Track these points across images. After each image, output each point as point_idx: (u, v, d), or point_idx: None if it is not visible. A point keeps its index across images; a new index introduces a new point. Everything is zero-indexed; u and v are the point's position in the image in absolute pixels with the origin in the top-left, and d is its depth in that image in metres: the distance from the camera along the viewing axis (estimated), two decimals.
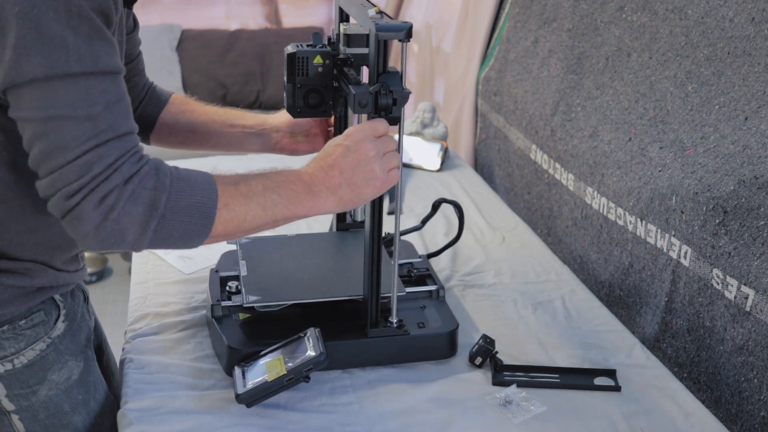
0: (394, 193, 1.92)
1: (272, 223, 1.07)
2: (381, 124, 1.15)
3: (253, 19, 4.65)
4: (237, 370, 1.25)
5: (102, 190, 0.93)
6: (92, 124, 0.94)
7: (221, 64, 4.35)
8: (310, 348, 1.22)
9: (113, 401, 1.33)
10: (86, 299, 1.32)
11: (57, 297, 1.20)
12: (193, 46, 4.38)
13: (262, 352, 1.26)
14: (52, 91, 0.92)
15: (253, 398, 1.20)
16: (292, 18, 4.68)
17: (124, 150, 0.96)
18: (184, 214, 0.98)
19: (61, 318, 1.20)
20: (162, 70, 4.25)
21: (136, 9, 1.26)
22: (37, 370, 1.18)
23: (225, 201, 1.01)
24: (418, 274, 1.50)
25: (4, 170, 1.06)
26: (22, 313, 1.14)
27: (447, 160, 2.28)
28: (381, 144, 1.13)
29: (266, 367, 1.22)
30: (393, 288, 1.32)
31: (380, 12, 1.21)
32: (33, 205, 1.09)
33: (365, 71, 1.30)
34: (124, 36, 1.16)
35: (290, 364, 1.21)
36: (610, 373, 1.33)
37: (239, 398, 1.20)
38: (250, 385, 1.20)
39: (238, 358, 1.27)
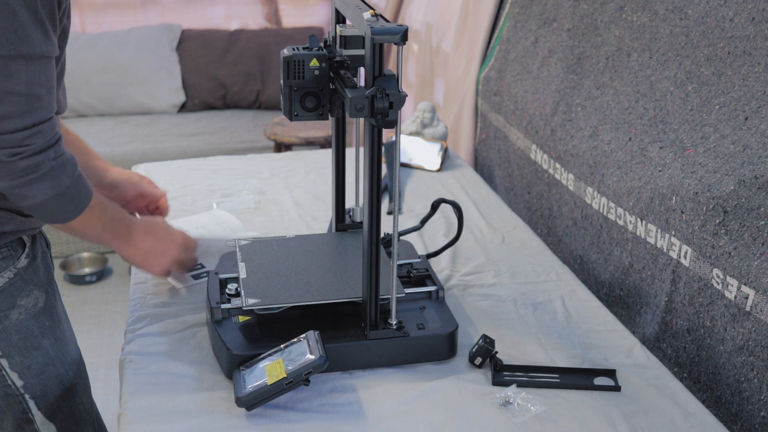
0: (393, 193, 1.93)
1: (95, 238, 1.40)
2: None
3: (253, 19, 4.65)
4: (237, 374, 1.25)
5: (34, 159, 1.21)
6: (38, 103, 1.20)
7: (221, 64, 4.35)
8: (310, 351, 1.22)
9: (74, 336, 1.53)
10: (48, 246, 1.49)
11: (23, 237, 1.39)
12: (193, 46, 4.38)
13: (262, 355, 1.26)
14: (12, 67, 1.16)
15: (252, 402, 1.20)
16: (292, 18, 4.68)
17: (53, 132, 1.24)
18: (65, 198, 1.27)
19: (25, 254, 1.38)
20: (162, 70, 4.26)
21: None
22: (7, 295, 1.34)
23: (91, 205, 1.33)
24: (418, 275, 1.49)
25: None
26: None
27: (447, 160, 2.28)
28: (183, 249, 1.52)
29: (266, 371, 1.22)
30: (392, 289, 1.32)
31: (376, 15, 1.21)
32: None
33: (362, 72, 1.30)
34: (68, 22, 1.33)
35: (290, 368, 1.21)
36: (610, 373, 1.33)
37: (239, 402, 1.20)
38: (250, 388, 1.20)
39: (237, 361, 1.27)
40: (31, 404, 1.41)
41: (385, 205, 1.98)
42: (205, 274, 1.60)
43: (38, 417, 1.42)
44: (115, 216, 1.42)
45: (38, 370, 1.41)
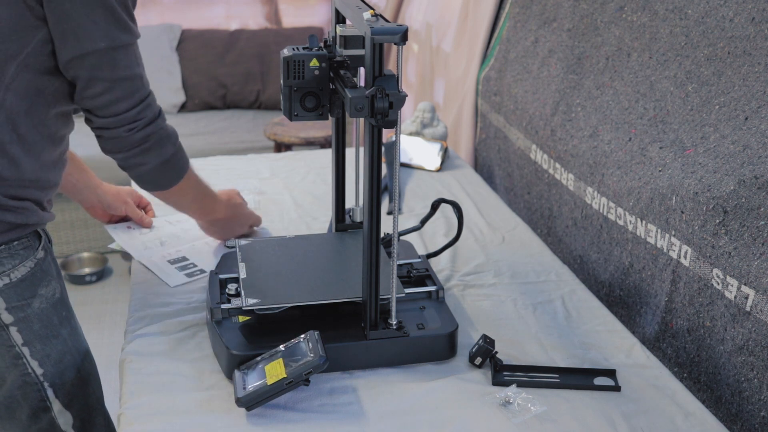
0: (393, 193, 1.93)
1: (185, 206, 1.60)
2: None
3: (253, 19, 4.65)
4: (237, 374, 1.25)
5: (146, 130, 1.36)
6: (140, 82, 1.34)
7: (221, 64, 4.35)
8: (310, 351, 1.22)
9: (82, 329, 1.57)
10: (50, 242, 1.51)
11: (39, 230, 1.44)
12: (193, 46, 4.38)
13: (262, 355, 1.26)
14: (117, 57, 1.30)
15: (252, 402, 1.20)
16: (292, 18, 4.68)
17: (156, 104, 1.39)
18: (169, 165, 1.43)
19: (41, 246, 1.42)
20: (162, 70, 4.25)
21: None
22: (29, 284, 1.38)
23: (188, 175, 1.49)
24: (418, 275, 1.49)
25: (33, 117, 1.31)
26: (15, 237, 1.36)
27: (447, 160, 2.28)
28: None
29: (266, 371, 1.22)
30: (392, 289, 1.32)
31: (376, 15, 1.21)
32: (47, 144, 1.35)
33: (362, 72, 1.30)
34: None
35: (290, 368, 1.21)
36: (610, 373, 1.33)
37: (239, 402, 1.20)
38: (249, 388, 1.20)
39: (238, 362, 1.27)
40: (50, 392, 1.43)
41: (385, 205, 1.98)
42: (198, 273, 1.61)
43: (56, 405, 1.45)
44: (207, 191, 1.59)
45: (57, 358, 1.43)
